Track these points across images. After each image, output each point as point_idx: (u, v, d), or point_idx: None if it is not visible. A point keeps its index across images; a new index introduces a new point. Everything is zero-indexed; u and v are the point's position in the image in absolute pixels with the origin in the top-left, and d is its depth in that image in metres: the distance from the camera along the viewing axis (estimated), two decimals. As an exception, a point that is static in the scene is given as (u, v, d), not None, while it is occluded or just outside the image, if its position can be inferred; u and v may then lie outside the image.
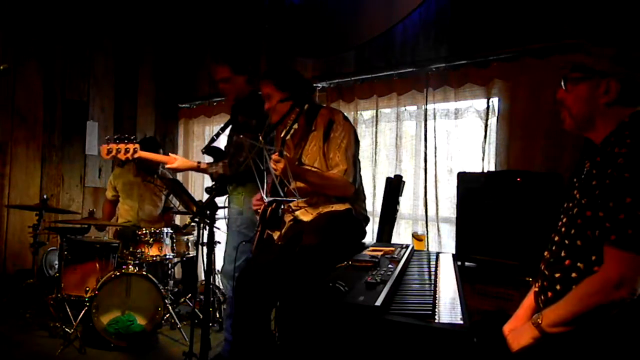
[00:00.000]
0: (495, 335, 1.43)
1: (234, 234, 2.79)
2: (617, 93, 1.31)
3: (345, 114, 2.48)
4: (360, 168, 2.45)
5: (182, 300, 3.76)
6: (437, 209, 3.25)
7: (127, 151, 2.93)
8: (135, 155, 2.96)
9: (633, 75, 1.30)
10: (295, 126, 2.33)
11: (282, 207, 2.38)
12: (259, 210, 2.45)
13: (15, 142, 4.28)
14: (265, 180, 2.32)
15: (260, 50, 4.37)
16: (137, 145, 2.97)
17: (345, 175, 2.25)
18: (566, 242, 1.34)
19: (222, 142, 2.99)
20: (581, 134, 1.42)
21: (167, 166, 3.03)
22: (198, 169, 3.01)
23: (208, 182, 4.75)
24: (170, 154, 3.12)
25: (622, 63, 1.30)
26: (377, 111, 3.61)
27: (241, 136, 2.56)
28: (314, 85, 3.75)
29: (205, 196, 2.36)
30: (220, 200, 3.12)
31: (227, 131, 2.93)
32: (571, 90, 1.39)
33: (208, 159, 3.06)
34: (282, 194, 2.24)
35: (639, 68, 1.30)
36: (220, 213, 3.81)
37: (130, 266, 3.26)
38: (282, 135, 2.32)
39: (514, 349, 1.34)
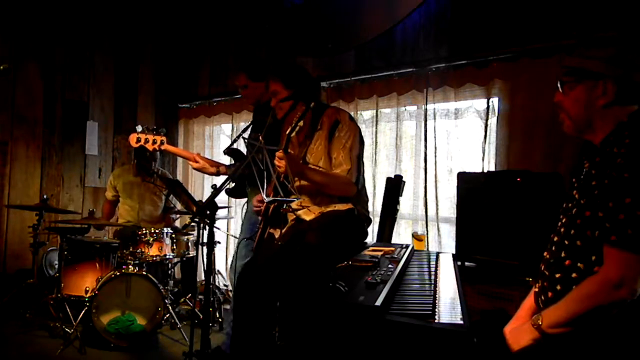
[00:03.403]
0: (495, 335, 1.43)
1: (249, 232, 2.82)
2: (614, 94, 1.31)
3: (346, 114, 2.48)
4: (363, 169, 2.45)
5: (182, 300, 3.76)
6: (437, 209, 3.25)
7: (154, 142, 2.97)
8: (162, 147, 3.01)
9: (629, 74, 1.30)
10: (301, 123, 2.33)
11: (284, 206, 2.38)
12: (261, 211, 2.46)
13: (15, 142, 4.28)
14: (266, 180, 2.32)
15: (262, 50, 4.38)
16: (164, 138, 3.02)
17: (348, 174, 2.26)
18: (566, 242, 1.34)
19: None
20: (581, 137, 1.42)
21: (189, 163, 3.06)
22: (218, 174, 3.03)
23: (209, 182, 4.76)
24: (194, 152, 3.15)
25: (617, 64, 1.30)
26: (377, 111, 3.61)
27: (246, 138, 2.58)
28: (314, 85, 3.75)
29: (210, 196, 2.36)
30: (220, 201, 3.14)
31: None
32: (568, 93, 1.39)
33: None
34: (282, 193, 2.24)
35: (635, 68, 1.30)
36: (220, 213, 3.83)
37: (130, 266, 3.26)
38: (287, 132, 2.32)
39: (514, 349, 1.34)
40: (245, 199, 3.06)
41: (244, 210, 2.98)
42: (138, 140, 2.97)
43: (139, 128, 2.99)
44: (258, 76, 2.96)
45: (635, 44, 1.31)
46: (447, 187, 3.25)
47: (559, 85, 1.42)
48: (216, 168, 3.03)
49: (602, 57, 1.32)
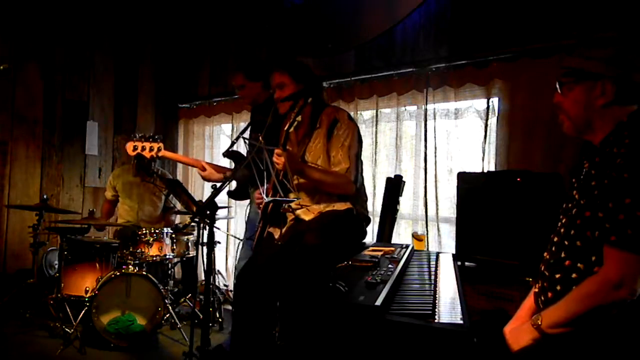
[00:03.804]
0: (495, 335, 1.43)
1: (251, 233, 2.83)
2: (613, 94, 1.31)
3: (346, 114, 2.47)
4: (362, 168, 2.45)
5: (182, 300, 3.76)
6: (437, 209, 3.25)
7: (151, 149, 2.97)
8: (160, 154, 3.01)
9: (627, 74, 1.30)
10: (299, 118, 2.33)
11: (283, 206, 2.38)
12: (261, 205, 2.46)
13: (15, 142, 4.28)
14: (266, 180, 2.33)
15: (262, 50, 4.38)
16: (161, 144, 3.02)
17: (347, 173, 2.26)
18: (566, 242, 1.34)
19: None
20: (581, 137, 1.42)
21: (198, 171, 3.06)
22: (225, 179, 3.03)
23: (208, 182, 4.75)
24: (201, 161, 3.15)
25: (616, 64, 1.30)
26: (377, 111, 3.61)
27: (245, 138, 2.58)
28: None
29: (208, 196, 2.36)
30: (220, 201, 3.14)
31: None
32: (567, 94, 1.39)
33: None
34: (281, 192, 2.24)
35: (634, 68, 1.30)
36: (220, 213, 3.83)
37: (130, 266, 3.26)
38: (285, 128, 2.32)
39: (514, 349, 1.34)
40: (249, 201, 3.06)
41: (247, 212, 2.98)
42: (135, 148, 2.98)
43: (136, 136, 2.99)
44: (255, 76, 2.96)
45: (634, 44, 1.31)
46: (447, 187, 3.25)
47: (557, 86, 1.42)
48: (222, 174, 3.04)
49: (600, 58, 1.32)
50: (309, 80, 2.39)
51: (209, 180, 3.14)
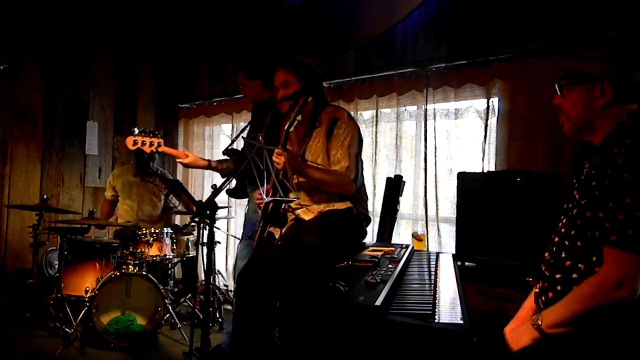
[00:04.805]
0: (495, 335, 1.43)
1: (250, 232, 2.83)
2: (613, 94, 1.32)
3: (346, 113, 2.47)
4: (362, 168, 2.45)
5: (182, 300, 3.76)
6: (437, 209, 3.25)
7: (151, 144, 2.98)
8: (159, 149, 3.01)
9: (625, 74, 1.30)
10: (299, 118, 2.32)
11: (283, 206, 2.38)
12: (261, 206, 2.46)
13: (15, 141, 4.28)
14: (266, 178, 2.32)
15: (262, 50, 4.38)
16: (161, 140, 3.02)
17: (347, 172, 2.25)
18: (566, 243, 1.34)
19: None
20: (581, 138, 1.42)
21: (178, 161, 3.07)
22: (209, 167, 3.04)
23: (209, 182, 4.76)
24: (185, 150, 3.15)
25: (615, 64, 1.30)
26: (377, 111, 3.61)
27: (245, 138, 2.58)
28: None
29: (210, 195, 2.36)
30: (220, 201, 3.14)
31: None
32: (567, 96, 1.40)
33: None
34: (281, 192, 2.24)
35: (633, 68, 1.30)
36: (220, 213, 3.82)
37: (130, 266, 3.26)
38: (285, 128, 2.32)
39: (514, 349, 1.34)
40: (247, 199, 3.05)
41: (245, 211, 2.98)
42: (135, 143, 2.98)
43: (136, 131, 3.00)
44: (255, 74, 2.97)
45: (633, 44, 1.31)
46: (447, 187, 3.25)
47: (557, 88, 1.42)
48: (207, 162, 3.05)
49: (599, 58, 1.32)
50: (311, 79, 2.39)
51: (192, 167, 3.13)
